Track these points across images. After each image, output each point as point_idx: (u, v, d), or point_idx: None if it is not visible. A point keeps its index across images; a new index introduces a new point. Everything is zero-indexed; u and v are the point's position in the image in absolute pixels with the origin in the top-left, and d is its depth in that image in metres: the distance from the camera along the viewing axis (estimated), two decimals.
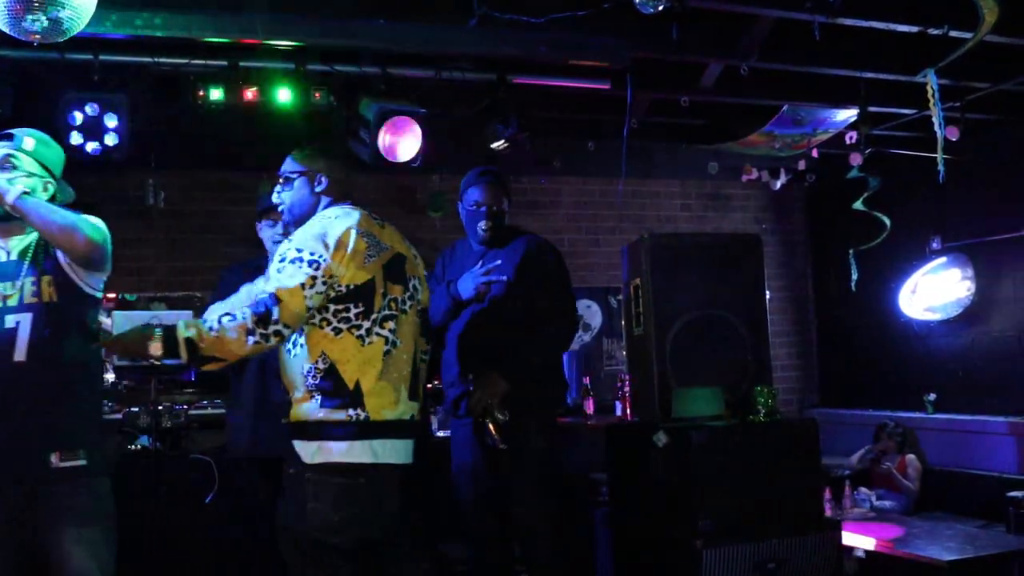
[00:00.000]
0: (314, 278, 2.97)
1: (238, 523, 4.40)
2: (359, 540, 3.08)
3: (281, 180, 3.33)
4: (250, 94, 4.59)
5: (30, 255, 3.07)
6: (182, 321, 2.91)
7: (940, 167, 3.79)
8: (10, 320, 2.99)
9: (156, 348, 2.88)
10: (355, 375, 3.02)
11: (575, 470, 5.62)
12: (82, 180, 6.27)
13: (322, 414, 3.00)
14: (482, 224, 4.13)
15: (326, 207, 3.26)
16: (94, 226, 3.05)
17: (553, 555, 4.05)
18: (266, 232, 4.20)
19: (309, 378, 3.01)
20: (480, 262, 4.09)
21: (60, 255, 3.05)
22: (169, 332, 2.90)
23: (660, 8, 3.87)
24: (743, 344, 4.31)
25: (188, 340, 2.88)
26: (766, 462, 3.99)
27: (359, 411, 3.02)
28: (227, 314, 2.91)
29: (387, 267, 3.14)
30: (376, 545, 3.15)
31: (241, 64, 4.59)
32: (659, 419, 4.12)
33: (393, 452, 3.11)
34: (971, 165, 6.84)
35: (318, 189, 3.28)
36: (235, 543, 4.45)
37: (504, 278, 4.01)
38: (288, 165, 3.34)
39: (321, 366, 3.01)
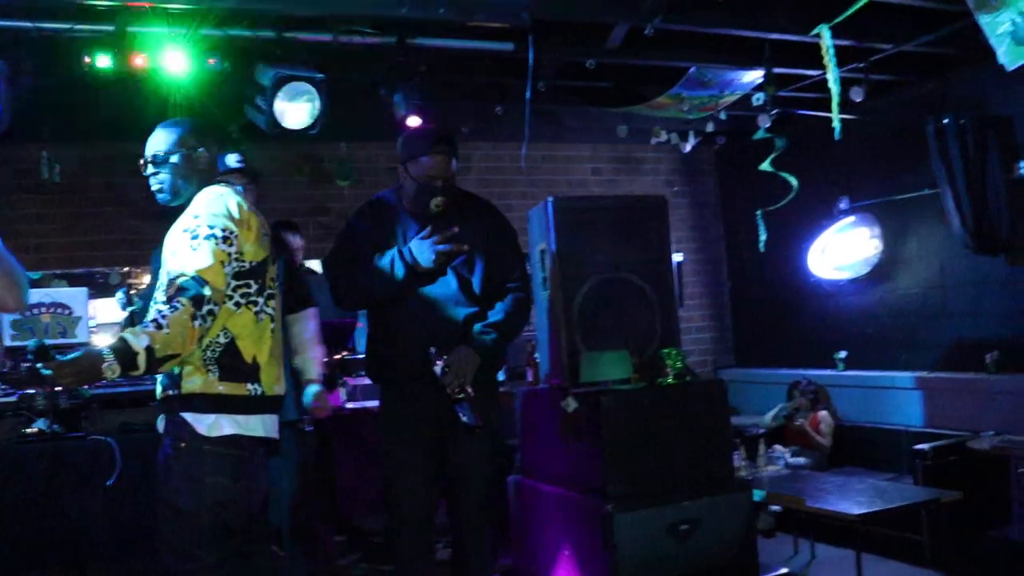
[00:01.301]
0: (229, 254, 2.94)
1: (142, 505, 4.27)
2: (243, 516, 3.05)
3: (154, 161, 3.14)
4: (140, 60, 4.41)
5: None
6: (125, 334, 2.72)
7: (835, 124, 3.79)
8: None
9: (113, 370, 2.65)
10: (252, 350, 3.03)
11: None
12: None
13: (222, 388, 2.95)
14: (436, 200, 3.83)
15: (204, 185, 3.14)
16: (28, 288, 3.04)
17: (483, 547, 3.95)
18: None
19: (208, 352, 2.94)
20: (427, 228, 3.78)
21: None
22: (123, 349, 2.67)
23: None
24: (650, 307, 4.29)
25: (148, 349, 2.69)
26: (676, 424, 3.98)
27: (257, 386, 3.03)
28: (159, 311, 2.78)
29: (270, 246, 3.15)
30: (248, 522, 3.10)
31: (129, 29, 4.40)
32: (568, 384, 4.08)
33: (273, 428, 3.14)
34: (876, 126, 6.92)
35: (200, 166, 3.16)
36: (139, 526, 4.33)
37: (465, 247, 3.79)
38: (161, 144, 3.16)
39: (222, 340, 2.97)
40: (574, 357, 4.11)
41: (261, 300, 3.07)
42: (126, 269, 6.80)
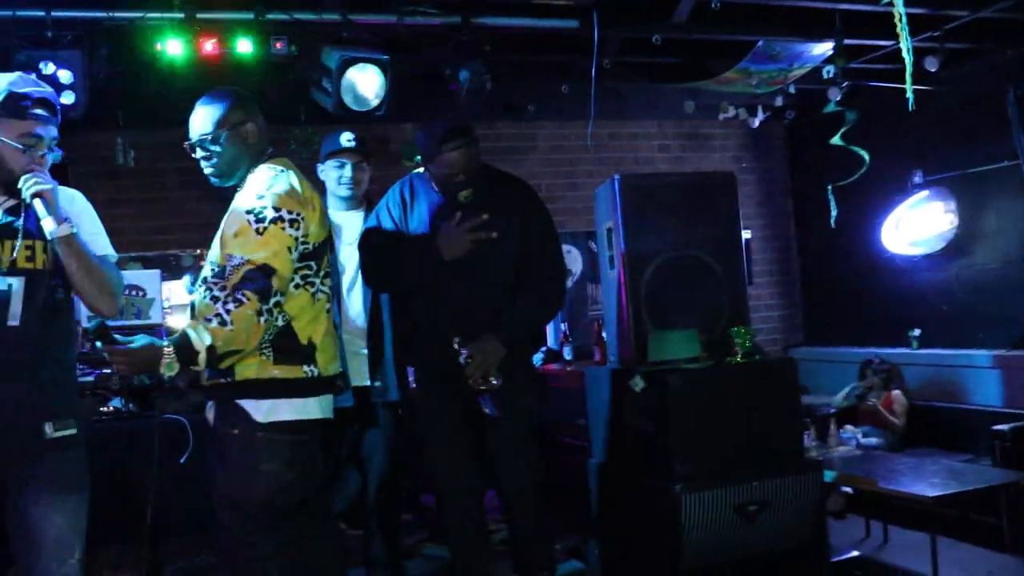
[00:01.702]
0: (296, 239, 2.86)
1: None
2: (300, 500, 3.02)
3: (201, 145, 3.03)
4: (209, 46, 4.47)
5: (21, 216, 2.92)
6: (188, 329, 2.72)
7: (909, 95, 3.69)
8: (2, 283, 2.87)
9: (172, 367, 2.68)
10: (308, 331, 2.97)
11: (557, 416, 5.59)
12: None
13: (277, 372, 2.89)
14: (464, 193, 3.71)
15: (258, 161, 3.06)
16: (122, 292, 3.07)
17: (536, 526, 3.93)
18: (332, 173, 4.23)
19: (264, 336, 2.85)
20: (458, 214, 3.71)
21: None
22: (184, 345, 2.69)
23: None
24: (719, 284, 4.23)
25: (211, 348, 2.69)
26: (745, 404, 3.92)
27: (313, 367, 2.97)
28: (224, 306, 2.72)
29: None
30: (306, 505, 3.07)
31: (198, 15, 4.46)
32: (636, 363, 4.06)
33: (329, 408, 3.08)
34: (951, 96, 6.75)
35: (250, 141, 3.05)
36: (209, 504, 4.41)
37: (494, 234, 3.67)
38: (205, 124, 3.03)
39: (279, 323, 2.90)
40: (641, 336, 4.08)
41: (318, 280, 3.00)
42: (198, 252, 6.90)
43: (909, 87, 3.59)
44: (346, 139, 4.24)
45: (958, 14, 5.66)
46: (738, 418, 3.91)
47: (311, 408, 2.97)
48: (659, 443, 3.88)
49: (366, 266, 3.95)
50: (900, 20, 3.33)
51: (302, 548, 3.10)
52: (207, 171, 3.08)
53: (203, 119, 3.04)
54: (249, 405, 2.90)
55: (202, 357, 2.68)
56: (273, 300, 2.77)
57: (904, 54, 3.48)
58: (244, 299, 2.71)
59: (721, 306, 4.24)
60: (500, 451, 3.86)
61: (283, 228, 2.81)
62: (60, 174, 3.02)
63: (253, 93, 3.16)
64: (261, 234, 2.79)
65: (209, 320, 2.71)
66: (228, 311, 2.71)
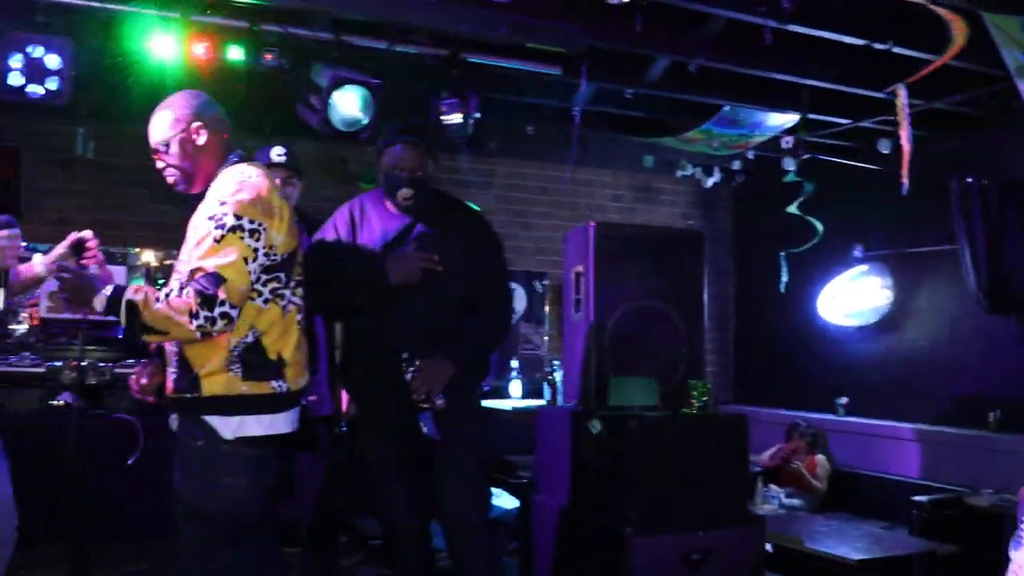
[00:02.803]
0: (256, 250, 2.80)
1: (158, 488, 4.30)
2: (259, 514, 2.99)
3: (157, 152, 3.02)
4: (201, 49, 4.46)
5: None
6: (132, 282, 2.79)
7: (904, 180, 3.89)
8: None
9: (100, 303, 2.73)
10: (277, 346, 2.94)
11: (498, 452, 5.64)
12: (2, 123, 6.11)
13: (245, 388, 2.86)
14: (403, 192, 3.73)
15: (223, 165, 3.02)
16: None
17: (487, 559, 3.87)
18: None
19: (233, 352, 2.84)
20: (410, 235, 3.74)
21: None
22: (119, 293, 2.73)
23: None
24: (679, 337, 4.37)
25: (130, 304, 2.70)
26: (697, 455, 4.04)
27: (281, 383, 2.94)
28: (172, 288, 2.75)
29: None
30: (264, 520, 3.05)
31: (193, 18, 4.46)
32: (595, 406, 4.15)
33: (295, 421, 3.06)
34: (896, 177, 7.02)
35: (201, 142, 2.99)
36: (156, 506, 4.36)
37: (440, 268, 3.67)
38: (159, 131, 3.01)
39: (249, 339, 2.87)
40: (602, 380, 4.18)
41: (288, 292, 2.97)
42: (141, 251, 6.78)
43: (905, 173, 3.77)
44: (276, 153, 4.24)
45: (915, 102, 5.91)
46: (689, 468, 4.02)
47: (279, 424, 2.96)
48: (613, 486, 3.97)
49: (311, 286, 3.69)
50: (902, 110, 3.52)
51: (254, 562, 3.04)
52: (169, 179, 3.06)
53: (156, 126, 3.02)
54: (218, 422, 2.87)
55: (123, 309, 2.71)
56: (219, 309, 2.70)
57: (903, 142, 3.66)
58: (185, 296, 2.70)
59: (679, 358, 4.36)
60: (445, 477, 3.78)
61: (242, 237, 2.77)
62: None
63: (213, 97, 3.14)
64: (218, 241, 2.76)
65: (163, 294, 2.74)
66: (169, 295, 2.72)
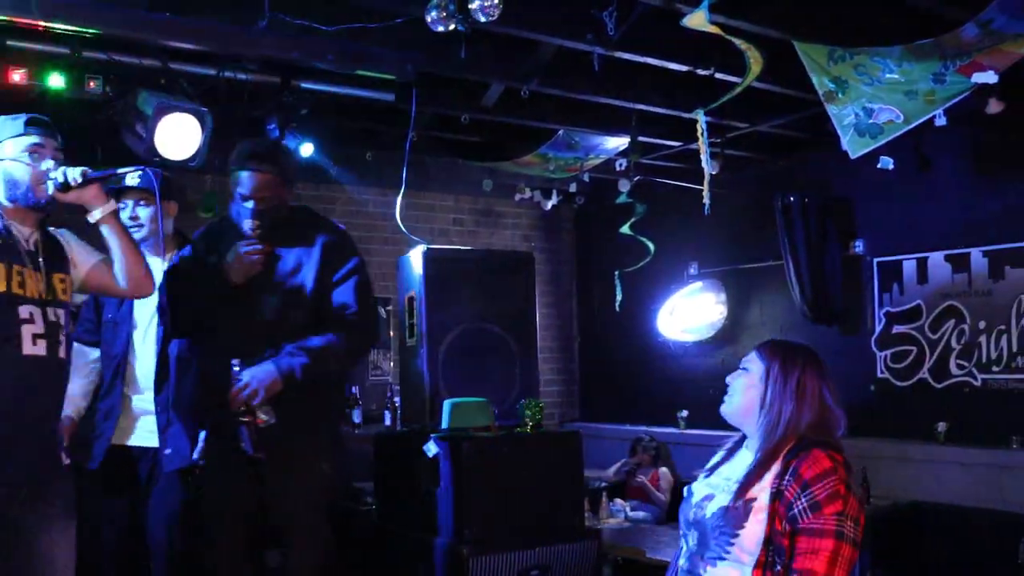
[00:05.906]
0: None
1: None
2: None
3: None
4: (17, 76, 4.30)
5: (42, 249, 2.96)
6: None
7: (706, 200, 4.06)
8: (24, 311, 2.82)
9: None
10: None
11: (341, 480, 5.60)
12: None
13: None
14: (248, 223, 3.51)
15: None
16: None
17: None
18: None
19: None
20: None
21: (72, 256, 3.04)
22: None
23: (451, 27, 3.90)
24: (512, 358, 4.44)
25: None
26: (532, 473, 4.12)
27: None
28: None
29: None
30: None
31: (9, 43, 4.30)
32: (430, 429, 4.18)
33: None
34: (726, 197, 7.31)
35: None
36: None
37: (273, 251, 3.51)
38: None
39: None
40: (436, 403, 4.22)
41: None
42: None
43: (707, 193, 3.94)
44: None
45: (739, 125, 6.18)
46: (525, 486, 4.10)
47: None
48: (449, 507, 4.00)
49: (164, 305, 3.62)
50: (702, 133, 3.68)
51: None
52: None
53: None
54: None
55: None
56: None
57: (704, 164, 3.82)
58: None
59: (513, 379, 4.45)
60: (282, 513, 3.54)
61: None
62: None
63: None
64: None
65: None
66: None
